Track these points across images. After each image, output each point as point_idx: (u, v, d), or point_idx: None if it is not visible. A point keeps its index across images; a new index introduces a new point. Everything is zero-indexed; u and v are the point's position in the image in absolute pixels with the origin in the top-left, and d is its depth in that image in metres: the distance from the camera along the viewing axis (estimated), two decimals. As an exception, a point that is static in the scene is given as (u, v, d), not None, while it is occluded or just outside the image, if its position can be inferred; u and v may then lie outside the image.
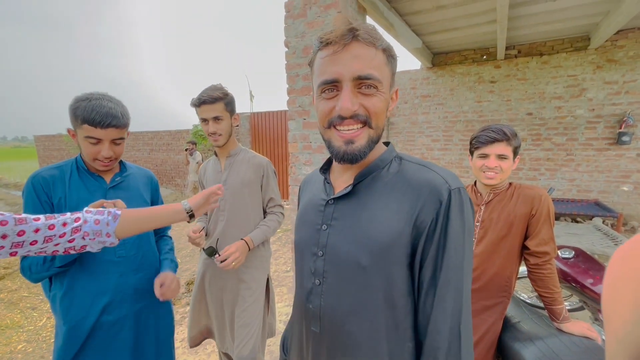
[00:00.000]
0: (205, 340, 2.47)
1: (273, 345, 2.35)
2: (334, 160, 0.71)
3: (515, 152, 1.25)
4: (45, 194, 1.04)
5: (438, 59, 5.96)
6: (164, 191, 9.89)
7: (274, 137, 7.66)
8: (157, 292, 1.12)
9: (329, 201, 0.67)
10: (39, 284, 1.13)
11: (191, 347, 1.62)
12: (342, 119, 0.59)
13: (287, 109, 2.39)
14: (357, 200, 0.64)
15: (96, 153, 1.06)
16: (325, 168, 0.75)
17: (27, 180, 1.04)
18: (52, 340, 2.60)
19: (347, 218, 0.64)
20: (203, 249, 1.45)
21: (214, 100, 1.36)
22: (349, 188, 0.65)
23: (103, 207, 0.94)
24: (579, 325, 1.19)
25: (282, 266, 3.86)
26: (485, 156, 1.26)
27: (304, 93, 2.30)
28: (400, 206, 0.59)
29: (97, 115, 1.01)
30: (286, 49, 2.35)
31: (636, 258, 0.35)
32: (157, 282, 1.14)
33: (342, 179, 0.70)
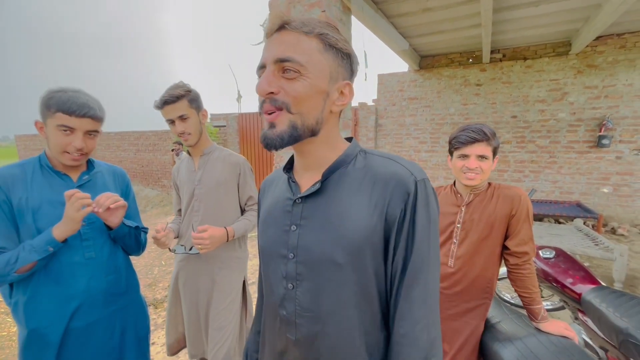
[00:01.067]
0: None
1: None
2: (296, 158, 0.69)
3: (495, 152, 1.25)
4: (4, 193, 0.98)
5: (425, 61, 6.02)
6: (150, 192, 9.69)
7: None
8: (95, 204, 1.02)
9: (297, 200, 0.65)
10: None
11: (169, 355, 1.56)
12: (262, 103, 0.59)
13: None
14: (326, 197, 0.62)
15: (67, 144, 1.01)
16: (289, 167, 0.72)
17: None
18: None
19: (318, 216, 0.62)
20: (170, 249, 1.39)
21: (177, 99, 1.31)
22: (318, 185, 0.63)
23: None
24: (556, 324, 1.19)
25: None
26: (465, 157, 1.25)
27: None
28: (370, 200, 0.59)
29: (74, 104, 0.99)
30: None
31: None
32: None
33: (306, 177, 0.67)
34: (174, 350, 1.55)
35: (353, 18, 2.63)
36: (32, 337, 1.01)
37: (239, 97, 8.20)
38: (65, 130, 1.00)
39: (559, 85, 5.08)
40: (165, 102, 1.31)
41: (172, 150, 7.02)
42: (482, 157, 1.22)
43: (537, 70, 5.18)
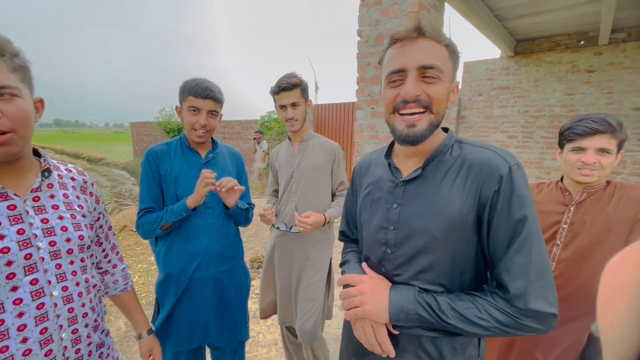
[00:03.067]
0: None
1: (329, 327, 2.44)
2: (396, 146, 0.82)
3: (620, 147, 1.09)
4: (155, 165, 1.27)
5: (522, 46, 5.37)
6: (232, 176, 10.69)
7: (337, 129, 7.73)
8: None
9: (399, 183, 0.76)
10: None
11: (262, 318, 1.76)
12: (405, 102, 0.69)
13: (350, 101, 2.39)
14: (426, 182, 0.73)
15: (195, 122, 1.25)
16: (388, 154, 0.84)
17: (145, 153, 1.29)
18: (143, 294, 3.05)
19: (418, 197, 0.73)
20: (274, 225, 1.57)
21: (292, 87, 1.45)
22: (419, 171, 0.74)
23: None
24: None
25: (338, 255, 3.94)
26: (581, 150, 1.11)
27: (374, 82, 2.29)
28: (465, 185, 0.69)
29: (199, 88, 1.23)
30: (359, 38, 2.35)
31: (625, 269, 0.37)
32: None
33: (408, 164, 0.78)
34: (266, 314, 1.74)
35: (446, 5, 2.49)
36: (166, 279, 1.29)
37: (317, 88, 8.45)
38: (193, 111, 1.24)
39: None
40: (283, 89, 1.46)
41: (254, 138, 7.60)
42: (603, 150, 1.08)
43: (676, 52, 4.20)
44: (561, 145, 1.19)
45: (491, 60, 5.77)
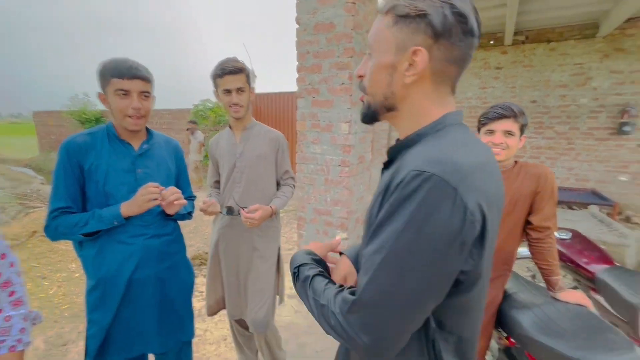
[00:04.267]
0: (213, 309, 2.57)
1: (280, 316, 2.46)
2: None
3: (522, 130, 1.29)
4: (76, 159, 1.10)
5: (444, 43, 5.90)
6: (164, 170, 9.89)
7: (278, 119, 7.63)
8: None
9: (383, 170, 0.67)
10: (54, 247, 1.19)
11: (209, 315, 1.69)
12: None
13: (290, 91, 2.39)
14: (386, 171, 0.64)
15: (126, 107, 1.10)
16: None
17: (61, 145, 1.09)
18: (65, 307, 2.70)
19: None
20: (221, 212, 1.51)
21: (238, 71, 1.38)
22: (385, 161, 0.66)
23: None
24: (573, 293, 1.27)
25: (285, 244, 3.96)
26: (491, 132, 1.29)
27: (314, 71, 2.31)
28: (386, 180, 0.57)
29: (123, 67, 1.08)
30: (297, 26, 2.33)
31: None
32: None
33: None
34: (213, 310, 1.68)
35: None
36: (97, 286, 1.15)
37: (254, 77, 8.18)
38: (123, 94, 1.09)
39: (583, 69, 4.94)
40: (228, 72, 1.37)
41: (187, 129, 7.11)
42: (508, 132, 1.26)
43: (561, 54, 5.04)
44: (479, 129, 1.37)
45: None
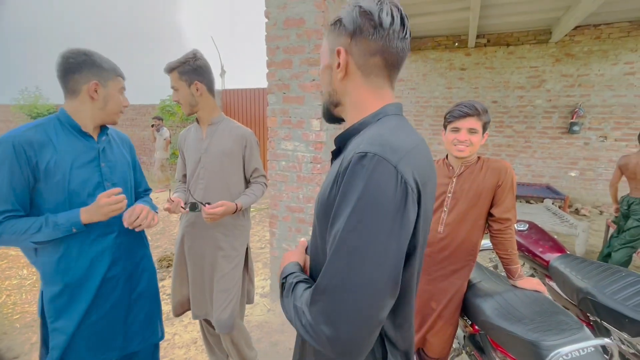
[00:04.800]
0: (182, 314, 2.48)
1: (251, 315, 2.42)
2: None
3: (485, 127, 1.36)
4: (26, 156, 0.97)
5: (413, 43, 6.07)
6: (128, 169, 9.39)
7: (249, 115, 7.48)
8: (126, 221, 1.10)
9: (332, 160, 0.72)
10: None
11: (175, 316, 1.64)
12: None
13: (260, 87, 2.35)
14: (335, 160, 0.68)
15: (123, 104, 1.18)
16: None
17: (9, 141, 0.95)
18: (16, 317, 2.48)
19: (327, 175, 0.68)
20: (185, 208, 1.44)
21: (169, 70, 1.37)
22: (333, 150, 0.71)
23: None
24: (530, 281, 1.36)
25: (257, 243, 3.90)
26: (456, 130, 1.35)
27: (284, 66, 2.28)
28: (335, 169, 0.60)
29: (118, 67, 1.16)
30: (266, 20, 2.29)
31: None
32: (126, 213, 1.11)
33: None
34: (178, 311, 1.62)
35: (348, -6, 2.63)
36: (65, 290, 1.06)
37: (222, 72, 7.96)
38: (123, 91, 1.17)
39: (538, 72, 5.30)
40: (166, 71, 1.39)
41: (152, 126, 6.78)
42: (472, 130, 1.32)
43: (519, 57, 5.36)
44: (444, 127, 1.42)
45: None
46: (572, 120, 5.14)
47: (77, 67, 1.04)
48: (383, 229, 0.49)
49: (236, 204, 1.44)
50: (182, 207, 1.42)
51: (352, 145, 0.59)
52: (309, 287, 0.59)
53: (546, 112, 5.38)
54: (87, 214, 1.01)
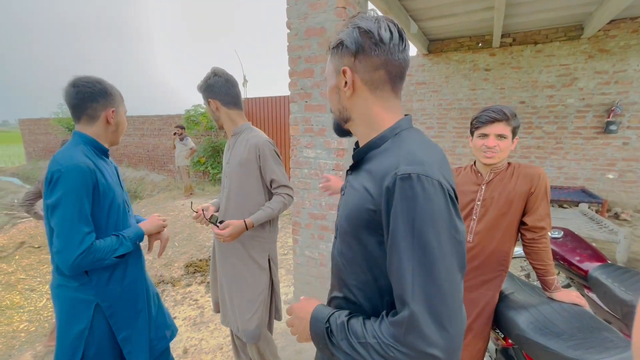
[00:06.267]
0: (207, 318, 2.54)
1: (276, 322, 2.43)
2: None
3: (514, 133, 1.30)
4: (91, 183, 1.07)
5: (434, 45, 5.96)
6: (156, 177, 9.78)
7: (272, 123, 7.60)
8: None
9: (348, 172, 0.78)
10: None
11: (215, 312, 1.74)
12: None
13: (285, 95, 2.38)
14: (356, 173, 0.72)
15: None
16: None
17: (70, 169, 1.03)
18: (55, 320, 2.63)
19: (348, 189, 0.74)
20: (206, 218, 1.50)
21: (199, 90, 1.50)
22: (352, 164, 0.76)
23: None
24: (568, 293, 1.28)
25: (280, 250, 3.93)
26: (485, 136, 1.30)
27: (306, 75, 2.31)
28: (366, 184, 0.64)
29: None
30: (288, 31, 2.33)
31: None
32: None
33: None
34: (218, 308, 1.70)
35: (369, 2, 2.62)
36: (120, 300, 1.20)
37: (245, 81, 8.16)
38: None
39: (569, 70, 5.05)
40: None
41: (174, 134, 7.02)
42: (501, 136, 1.28)
43: (547, 55, 5.14)
44: (471, 132, 1.37)
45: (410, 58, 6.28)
46: (608, 119, 4.84)
47: (94, 96, 1.14)
48: (447, 236, 0.55)
49: (244, 222, 1.42)
50: (206, 218, 1.48)
51: (382, 163, 0.63)
52: (379, 320, 0.60)
53: (579, 112, 5.11)
54: (146, 227, 1.27)
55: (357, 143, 0.80)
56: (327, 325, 0.65)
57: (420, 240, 0.54)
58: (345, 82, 0.68)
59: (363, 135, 0.72)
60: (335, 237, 0.77)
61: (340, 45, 0.68)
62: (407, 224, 0.55)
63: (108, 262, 1.10)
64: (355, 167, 0.74)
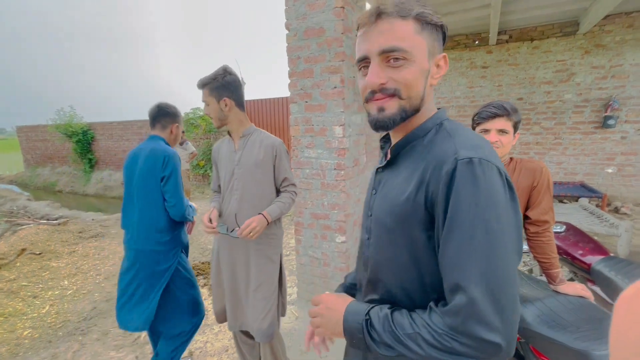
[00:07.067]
0: (212, 321, 2.53)
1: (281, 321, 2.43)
2: (391, 132, 0.73)
3: (516, 127, 1.31)
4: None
5: (431, 44, 5.98)
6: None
7: (271, 124, 7.61)
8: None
9: (378, 169, 0.73)
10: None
11: (218, 322, 1.70)
12: (373, 93, 0.63)
13: (284, 96, 2.38)
14: (395, 168, 0.68)
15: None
16: (387, 139, 0.78)
17: (174, 155, 1.65)
18: (58, 326, 2.62)
19: (385, 185, 0.69)
20: (219, 231, 1.50)
21: (201, 86, 1.45)
22: (389, 158, 0.70)
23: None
24: (573, 286, 1.28)
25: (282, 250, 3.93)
26: (486, 131, 1.31)
27: (306, 76, 2.31)
28: (416, 175, 0.61)
29: None
30: (287, 32, 2.34)
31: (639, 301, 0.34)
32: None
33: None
34: (221, 319, 1.67)
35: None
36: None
37: (243, 83, 8.16)
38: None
39: (566, 66, 5.07)
40: (198, 87, 1.47)
41: None
42: (502, 131, 1.28)
43: (544, 51, 5.16)
44: (473, 128, 1.38)
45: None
46: (606, 114, 4.87)
47: (171, 114, 1.75)
48: (507, 221, 0.54)
49: (264, 216, 1.44)
50: (218, 231, 1.50)
51: (434, 150, 0.61)
52: (427, 311, 0.58)
53: (577, 107, 5.13)
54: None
55: (383, 139, 0.78)
56: (367, 317, 0.61)
57: (482, 223, 0.53)
58: (437, 66, 0.64)
59: (407, 127, 0.66)
60: (368, 239, 0.73)
61: (440, 27, 0.63)
62: (469, 207, 0.53)
63: (188, 219, 1.74)
64: (391, 163, 0.70)
